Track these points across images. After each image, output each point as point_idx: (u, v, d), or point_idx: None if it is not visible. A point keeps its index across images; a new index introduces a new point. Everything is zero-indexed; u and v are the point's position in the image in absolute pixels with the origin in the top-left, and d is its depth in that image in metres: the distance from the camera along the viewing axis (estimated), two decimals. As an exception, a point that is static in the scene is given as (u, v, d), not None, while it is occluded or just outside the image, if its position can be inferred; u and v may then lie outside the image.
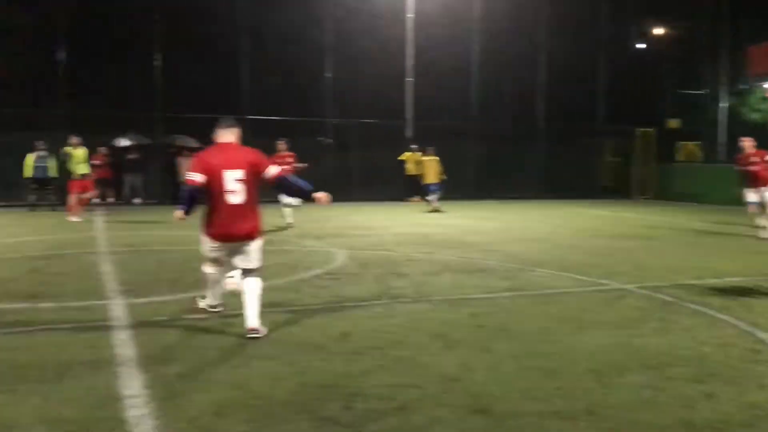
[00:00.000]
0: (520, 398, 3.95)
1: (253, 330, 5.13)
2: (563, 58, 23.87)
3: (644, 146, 25.57)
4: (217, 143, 5.45)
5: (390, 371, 4.43)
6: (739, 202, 20.97)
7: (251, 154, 5.43)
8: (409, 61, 22.62)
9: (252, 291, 5.26)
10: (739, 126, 25.98)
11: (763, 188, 12.04)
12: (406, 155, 21.93)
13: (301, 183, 5.76)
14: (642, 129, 26.05)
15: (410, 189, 22.15)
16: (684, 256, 10.01)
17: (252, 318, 5.17)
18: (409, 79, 22.60)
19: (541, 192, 24.07)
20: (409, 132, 22.74)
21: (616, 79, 25.32)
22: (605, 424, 3.57)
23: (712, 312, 6.21)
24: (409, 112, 22.73)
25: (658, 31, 27.99)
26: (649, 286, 7.45)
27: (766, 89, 25.30)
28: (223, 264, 5.52)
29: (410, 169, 21.64)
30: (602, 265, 8.92)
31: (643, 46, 29.14)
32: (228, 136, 5.45)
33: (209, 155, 5.41)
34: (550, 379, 4.30)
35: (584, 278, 7.99)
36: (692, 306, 6.46)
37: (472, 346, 5.04)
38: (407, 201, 21.90)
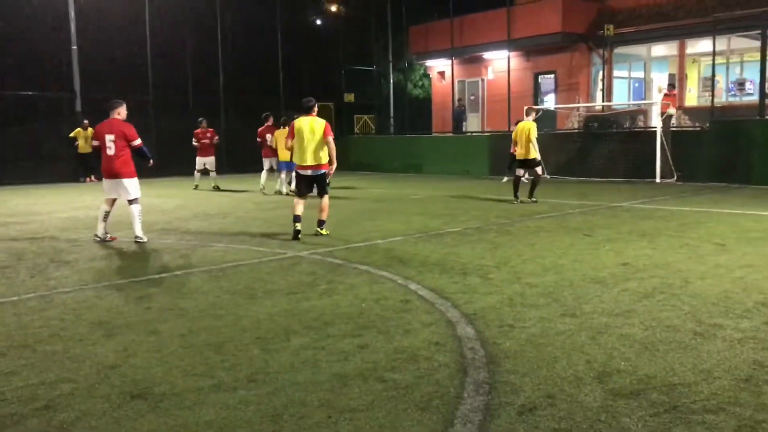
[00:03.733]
0: (182, 376, 3.83)
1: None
2: (244, 33, 23.85)
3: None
4: None
5: (37, 369, 3.97)
6: (407, 170, 23.29)
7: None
8: (74, 26, 20.52)
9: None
10: (406, 100, 28.77)
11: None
12: (77, 131, 20.05)
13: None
14: (321, 103, 27.35)
15: (84, 168, 20.39)
16: (356, 220, 10.74)
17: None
18: (75, 47, 20.51)
19: (224, 166, 23.89)
20: (78, 106, 20.76)
21: (296, 54, 26.09)
22: (264, 389, 3.62)
23: (374, 270, 6.74)
24: (78, 84, 20.70)
25: (333, 8, 29.53)
26: (323, 252, 7.84)
27: (427, 66, 28.26)
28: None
29: (82, 146, 19.85)
30: (280, 236, 9.15)
31: (320, 22, 30.54)
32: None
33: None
34: (216, 353, 4.25)
35: (262, 249, 8.11)
36: (358, 266, 6.95)
37: (136, 330, 4.76)
38: (83, 181, 20.17)
